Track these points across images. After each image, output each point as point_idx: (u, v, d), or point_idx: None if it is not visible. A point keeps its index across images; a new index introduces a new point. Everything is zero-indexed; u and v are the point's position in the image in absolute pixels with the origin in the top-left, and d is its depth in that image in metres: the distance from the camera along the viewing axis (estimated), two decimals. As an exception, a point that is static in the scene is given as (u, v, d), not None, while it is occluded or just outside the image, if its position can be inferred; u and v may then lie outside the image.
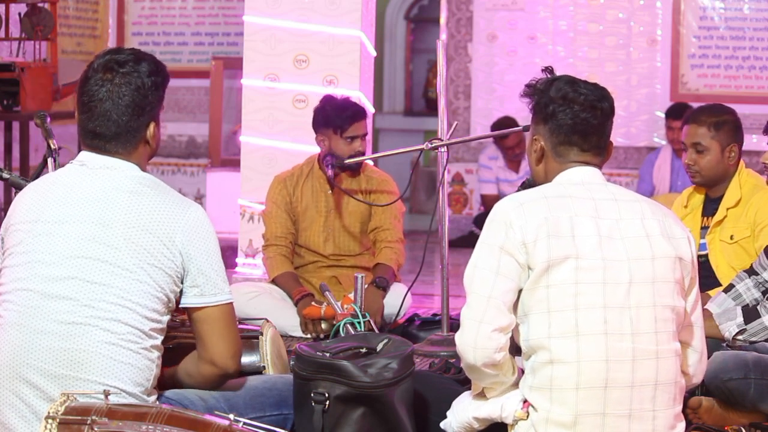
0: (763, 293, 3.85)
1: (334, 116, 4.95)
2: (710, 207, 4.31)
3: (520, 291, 2.62)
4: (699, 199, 4.36)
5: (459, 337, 2.64)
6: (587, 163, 2.75)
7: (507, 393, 2.72)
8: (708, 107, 4.34)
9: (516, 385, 2.72)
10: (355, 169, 5.06)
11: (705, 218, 4.32)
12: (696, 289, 2.76)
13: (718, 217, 4.22)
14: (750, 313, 3.69)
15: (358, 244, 5.13)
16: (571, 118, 2.73)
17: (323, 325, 4.73)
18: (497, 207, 2.68)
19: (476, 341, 2.59)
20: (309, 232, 5.10)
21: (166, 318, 2.72)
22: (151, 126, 2.78)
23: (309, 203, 5.09)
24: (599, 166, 2.78)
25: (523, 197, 2.67)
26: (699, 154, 4.20)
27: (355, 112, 4.97)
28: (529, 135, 2.85)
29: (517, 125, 7.39)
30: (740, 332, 3.67)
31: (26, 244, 2.69)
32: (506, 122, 8.10)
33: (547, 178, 2.78)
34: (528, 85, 2.83)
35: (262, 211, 5.37)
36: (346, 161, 4.92)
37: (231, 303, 2.79)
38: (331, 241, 5.10)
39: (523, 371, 2.70)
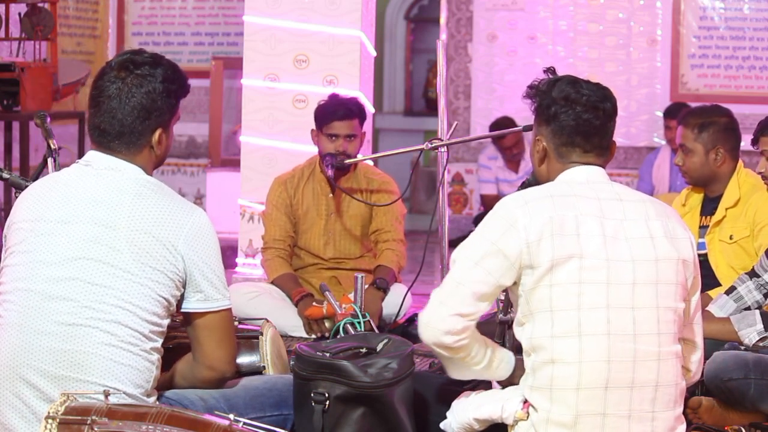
0: (765, 296, 3.85)
1: (320, 112, 4.97)
2: (709, 206, 4.31)
3: (524, 290, 2.62)
4: (698, 198, 4.37)
5: (421, 314, 2.67)
6: (590, 164, 2.75)
7: (504, 393, 2.72)
8: (699, 109, 4.35)
9: (508, 384, 2.72)
10: (346, 168, 5.03)
11: (703, 217, 4.32)
12: (698, 290, 2.76)
13: (717, 217, 4.23)
14: None
15: (358, 247, 5.12)
16: (574, 119, 2.73)
17: (327, 324, 4.74)
18: (502, 203, 2.68)
19: (430, 320, 2.62)
20: (309, 234, 5.09)
21: (167, 321, 2.72)
22: (158, 132, 2.76)
23: (310, 206, 5.08)
24: (603, 166, 2.77)
25: (528, 195, 2.66)
26: (686, 155, 4.23)
27: (343, 112, 4.92)
28: (532, 135, 2.85)
29: (516, 125, 7.39)
30: (761, 339, 3.66)
31: (28, 243, 2.69)
32: (504, 122, 8.09)
33: (551, 178, 2.78)
34: (530, 86, 2.83)
35: (262, 212, 5.37)
36: (347, 162, 4.92)
37: (230, 308, 2.80)
38: (332, 245, 5.09)
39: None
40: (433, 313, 2.62)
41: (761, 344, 3.65)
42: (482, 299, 2.62)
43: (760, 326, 3.67)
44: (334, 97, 5.04)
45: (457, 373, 2.75)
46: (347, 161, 4.93)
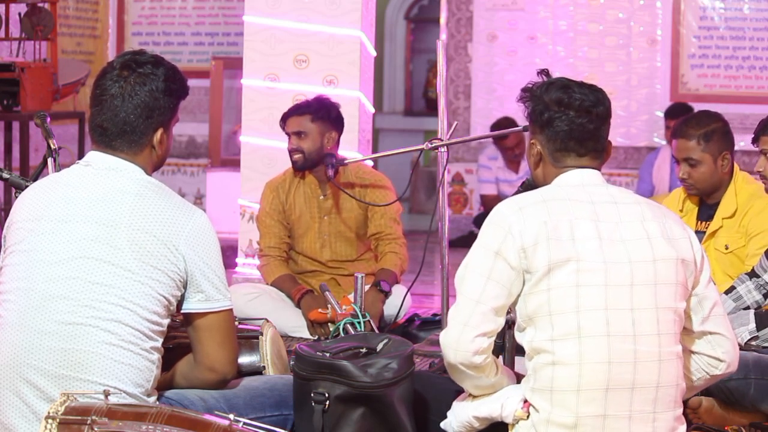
0: (765, 296, 3.86)
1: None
2: (706, 212, 4.26)
3: (520, 295, 2.62)
4: (694, 202, 4.32)
5: (443, 336, 2.67)
6: (585, 167, 2.74)
7: (504, 392, 2.72)
8: (694, 118, 4.26)
9: (506, 383, 2.72)
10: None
11: (700, 222, 4.26)
12: (706, 284, 2.72)
13: (713, 226, 4.17)
14: (762, 320, 3.70)
15: (355, 248, 5.12)
16: (567, 125, 2.72)
17: (331, 327, 4.74)
18: (496, 210, 2.68)
19: (458, 344, 2.61)
20: (305, 239, 5.09)
21: (167, 321, 2.72)
22: (159, 132, 2.78)
23: (303, 210, 5.08)
24: (598, 168, 2.77)
25: (522, 201, 2.66)
26: (692, 167, 4.16)
27: (295, 109, 5.00)
28: (528, 138, 2.85)
29: (517, 125, 7.38)
30: (752, 338, 3.67)
31: (28, 242, 2.69)
32: (505, 123, 8.10)
33: (547, 181, 2.78)
34: (524, 90, 2.82)
35: (256, 216, 5.35)
36: (346, 162, 4.93)
37: (231, 309, 2.80)
38: (328, 248, 5.08)
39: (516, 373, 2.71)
40: (459, 335, 2.61)
41: (753, 343, 3.67)
42: (499, 313, 2.63)
43: (752, 325, 3.69)
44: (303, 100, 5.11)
45: (476, 390, 2.74)
46: (346, 161, 4.93)
